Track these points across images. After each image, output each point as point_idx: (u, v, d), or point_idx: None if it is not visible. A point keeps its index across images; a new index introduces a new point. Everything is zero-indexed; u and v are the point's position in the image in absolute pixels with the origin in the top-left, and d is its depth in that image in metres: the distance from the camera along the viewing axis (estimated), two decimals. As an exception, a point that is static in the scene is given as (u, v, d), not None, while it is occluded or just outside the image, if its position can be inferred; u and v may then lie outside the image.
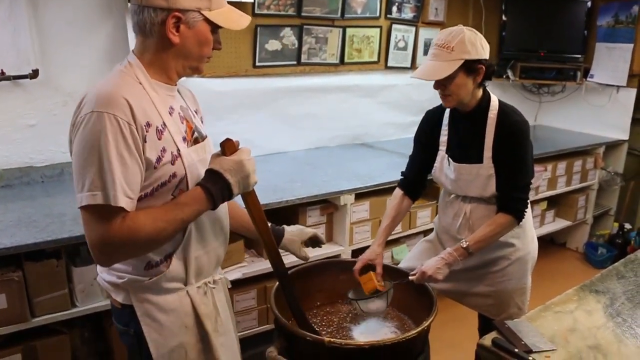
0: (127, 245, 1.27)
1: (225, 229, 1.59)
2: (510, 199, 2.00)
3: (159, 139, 1.32)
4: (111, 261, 1.35)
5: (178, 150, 1.36)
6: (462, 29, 1.90)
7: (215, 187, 1.33)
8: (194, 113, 1.54)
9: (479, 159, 2.02)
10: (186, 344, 1.49)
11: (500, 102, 2.04)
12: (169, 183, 1.35)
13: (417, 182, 2.24)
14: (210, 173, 1.35)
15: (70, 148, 1.29)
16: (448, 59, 1.87)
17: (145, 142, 1.28)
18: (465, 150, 2.06)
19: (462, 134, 2.08)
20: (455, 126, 2.11)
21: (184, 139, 1.41)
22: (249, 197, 1.48)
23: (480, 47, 1.89)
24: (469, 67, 1.89)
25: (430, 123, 2.20)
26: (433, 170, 2.20)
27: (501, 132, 1.98)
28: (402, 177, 2.28)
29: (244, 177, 1.37)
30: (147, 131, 1.28)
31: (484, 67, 1.92)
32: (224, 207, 1.55)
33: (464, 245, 1.95)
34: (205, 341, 1.52)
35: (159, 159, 1.31)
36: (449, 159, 2.11)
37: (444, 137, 2.14)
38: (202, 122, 1.60)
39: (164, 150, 1.32)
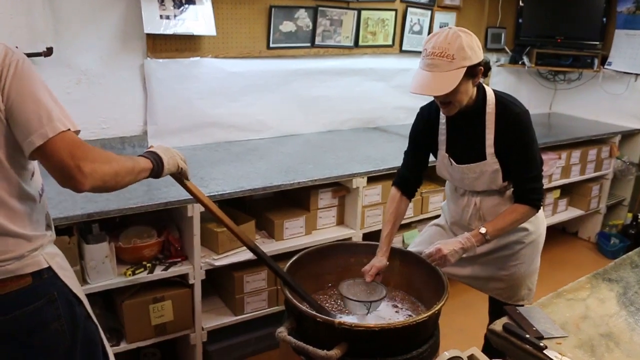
0: None
1: None
2: (526, 191, 1.97)
3: None
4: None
5: None
6: (456, 32, 1.77)
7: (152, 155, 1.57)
8: None
9: (481, 157, 1.98)
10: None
11: (496, 93, 1.97)
12: None
13: (414, 180, 2.18)
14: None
15: None
16: (449, 68, 1.76)
17: None
18: (466, 149, 2.01)
19: (461, 133, 2.02)
20: (453, 126, 2.04)
21: None
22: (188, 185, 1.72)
23: (478, 49, 1.80)
24: (470, 72, 1.80)
25: (426, 122, 2.12)
26: (437, 168, 2.15)
27: (502, 125, 1.93)
28: (398, 176, 2.20)
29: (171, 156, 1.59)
30: None
31: (482, 68, 1.85)
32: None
33: (483, 232, 1.92)
34: None
35: None
36: (451, 159, 2.06)
37: (442, 137, 2.07)
38: None
39: None
